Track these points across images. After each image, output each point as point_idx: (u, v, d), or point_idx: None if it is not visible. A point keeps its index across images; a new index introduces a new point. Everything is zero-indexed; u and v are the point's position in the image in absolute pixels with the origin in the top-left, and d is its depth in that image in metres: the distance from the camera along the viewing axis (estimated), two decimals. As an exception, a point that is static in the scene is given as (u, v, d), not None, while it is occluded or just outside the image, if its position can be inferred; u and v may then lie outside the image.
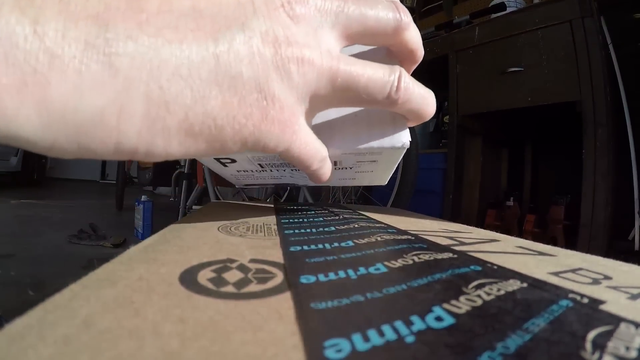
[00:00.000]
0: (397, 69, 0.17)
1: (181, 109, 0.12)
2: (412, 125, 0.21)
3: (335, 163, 0.21)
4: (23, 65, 0.09)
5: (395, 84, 0.16)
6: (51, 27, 0.09)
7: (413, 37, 0.19)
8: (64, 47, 0.09)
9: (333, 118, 0.20)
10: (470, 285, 0.13)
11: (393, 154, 0.21)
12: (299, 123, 0.15)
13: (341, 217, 0.30)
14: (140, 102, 0.11)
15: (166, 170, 2.09)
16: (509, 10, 1.22)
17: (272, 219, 0.28)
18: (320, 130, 0.19)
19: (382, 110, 0.20)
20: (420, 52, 0.20)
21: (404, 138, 0.20)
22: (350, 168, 0.22)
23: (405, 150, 0.21)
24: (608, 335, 0.09)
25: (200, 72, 0.12)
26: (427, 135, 1.62)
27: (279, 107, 0.14)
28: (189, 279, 0.13)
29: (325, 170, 0.19)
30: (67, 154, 0.11)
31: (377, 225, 0.27)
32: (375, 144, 0.20)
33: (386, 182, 0.23)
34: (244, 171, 0.22)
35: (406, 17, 0.17)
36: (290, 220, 0.28)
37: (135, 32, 0.11)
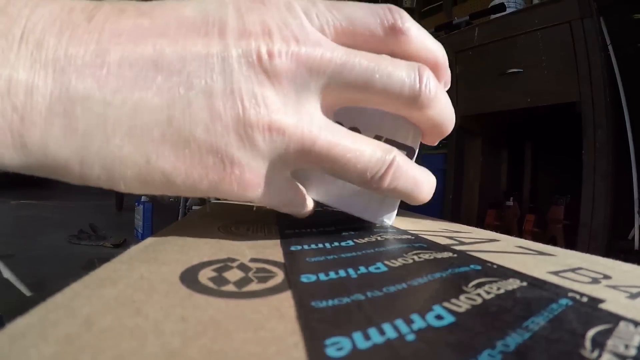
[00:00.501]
0: (392, 154, 0.14)
1: (135, 164, 0.12)
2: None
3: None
4: (2, 119, 0.10)
5: (382, 172, 0.14)
6: (21, 85, 0.10)
7: (437, 113, 0.15)
8: (32, 105, 0.11)
9: (320, 175, 0.18)
10: (470, 284, 0.13)
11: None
12: (266, 181, 0.14)
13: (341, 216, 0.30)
14: (97, 157, 0.12)
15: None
16: (508, 11, 1.22)
17: (272, 219, 0.28)
18: (305, 178, 0.18)
19: None
20: (445, 130, 0.16)
21: (388, 219, 0.19)
22: None
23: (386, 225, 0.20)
24: (607, 333, 0.09)
25: (153, 133, 0.12)
26: (427, 136, 1.62)
27: (239, 171, 0.13)
28: (189, 278, 0.13)
29: (298, 211, 0.18)
30: (46, 175, 0.13)
31: (377, 225, 0.27)
32: (356, 213, 0.19)
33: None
34: None
35: (428, 91, 0.14)
36: (291, 220, 0.28)
37: (94, 90, 0.11)
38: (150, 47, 0.11)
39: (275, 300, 0.11)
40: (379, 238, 0.21)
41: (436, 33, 1.49)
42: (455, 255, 0.18)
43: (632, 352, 0.08)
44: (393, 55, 0.15)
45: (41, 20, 0.11)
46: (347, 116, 0.16)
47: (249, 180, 0.14)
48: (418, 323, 0.09)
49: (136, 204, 1.49)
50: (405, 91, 0.14)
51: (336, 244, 0.20)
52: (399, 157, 0.15)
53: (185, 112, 0.12)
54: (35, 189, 3.15)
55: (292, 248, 0.18)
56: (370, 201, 0.18)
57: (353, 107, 0.16)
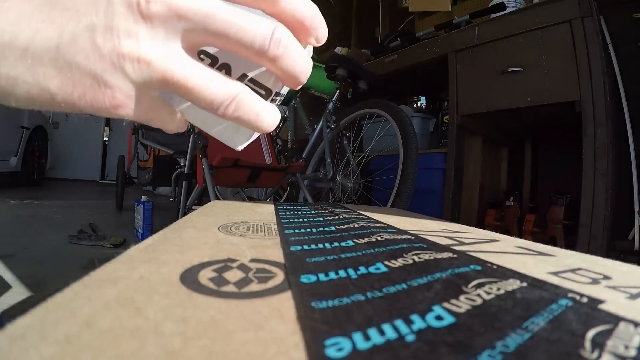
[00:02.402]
0: (237, 88, 0.17)
1: (25, 85, 0.15)
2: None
3: None
4: None
5: (226, 103, 0.17)
6: None
7: (285, 66, 0.18)
8: None
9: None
10: (470, 285, 0.13)
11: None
12: (135, 101, 0.17)
13: (341, 216, 0.30)
14: None
15: (166, 171, 2.09)
16: (508, 10, 1.22)
17: (272, 219, 0.28)
18: (178, 99, 0.21)
19: None
20: (297, 80, 0.19)
21: (238, 143, 0.22)
22: None
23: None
24: (607, 334, 0.09)
25: (42, 58, 0.14)
26: (427, 135, 1.62)
27: (111, 93, 0.16)
28: (190, 278, 0.13)
29: (170, 126, 0.21)
30: None
31: (377, 225, 0.27)
32: (216, 135, 0.22)
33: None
34: None
35: (276, 48, 0.17)
36: (291, 220, 0.28)
37: None
38: None
39: (276, 301, 0.11)
40: (379, 238, 0.21)
41: (436, 32, 1.49)
42: (455, 255, 0.18)
43: (632, 352, 0.08)
44: (266, 12, 0.18)
45: None
46: (222, 53, 0.19)
47: (120, 100, 0.16)
48: (418, 323, 0.09)
49: (136, 203, 1.48)
50: (255, 45, 0.16)
51: (336, 244, 0.20)
52: (243, 93, 0.17)
53: (71, 42, 0.14)
54: (35, 189, 3.15)
55: (292, 248, 0.18)
56: (227, 127, 0.22)
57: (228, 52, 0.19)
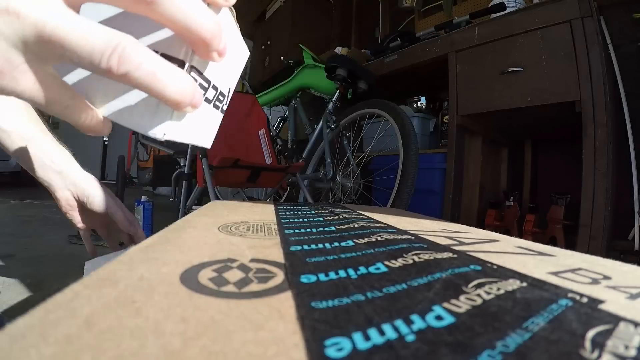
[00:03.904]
0: (120, 36, 0.15)
1: None
2: (175, 110, 0.18)
3: None
4: None
5: (108, 52, 0.15)
6: None
7: (171, 10, 0.16)
8: None
9: (101, 81, 0.18)
10: (470, 285, 0.13)
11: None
12: (19, 69, 0.15)
13: (341, 216, 0.31)
14: None
15: (166, 171, 2.09)
16: (508, 10, 1.22)
17: (272, 219, 0.28)
18: (82, 84, 0.18)
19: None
20: (194, 30, 0.16)
21: (159, 130, 0.19)
22: None
23: (171, 139, 0.20)
24: (607, 334, 0.09)
25: None
26: (427, 135, 1.62)
27: None
28: (190, 278, 0.13)
29: (80, 118, 0.18)
30: None
31: (377, 225, 0.27)
32: (130, 126, 0.19)
33: (208, 146, 0.23)
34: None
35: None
36: (291, 220, 0.28)
37: None
38: None
39: (276, 301, 0.11)
40: (379, 238, 0.21)
41: (436, 32, 1.49)
42: (455, 255, 0.18)
43: (632, 352, 0.08)
44: None
45: None
46: (124, 32, 0.16)
47: (1, 67, 0.15)
48: (418, 323, 0.09)
49: (136, 203, 1.48)
50: None
51: (336, 244, 0.20)
52: (129, 42, 0.15)
53: None
54: (35, 189, 3.15)
55: (292, 248, 0.18)
56: (145, 112, 0.18)
57: (130, 23, 0.17)
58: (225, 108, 0.24)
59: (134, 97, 0.18)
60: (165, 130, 0.19)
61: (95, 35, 0.15)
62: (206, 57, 0.18)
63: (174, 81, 0.16)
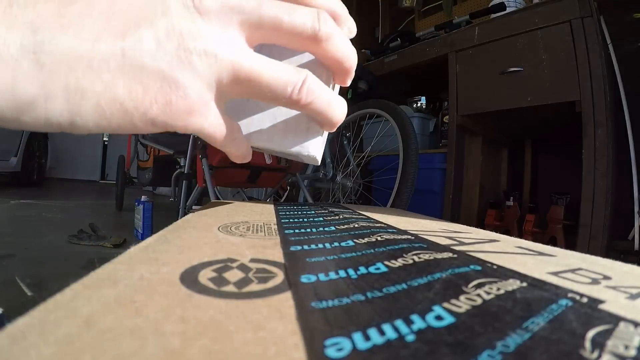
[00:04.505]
0: (304, 72, 0.18)
1: (94, 95, 0.14)
2: (327, 131, 0.21)
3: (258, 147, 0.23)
4: None
5: (299, 85, 0.17)
6: None
7: (336, 48, 0.19)
8: (4, 49, 0.13)
9: (252, 111, 0.21)
10: (470, 285, 0.13)
11: (303, 157, 0.22)
12: (208, 107, 0.17)
13: (341, 216, 0.31)
14: (61, 91, 0.14)
15: (166, 171, 2.09)
16: (508, 10, 1.22)
17: (272, 219, 0.28)
18: (237, 119, 0.21)
19: (299, 117, 0.21)
20: (347, 64, 0.20)
21: (312, 148, 0.21)
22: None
23: (315, 162, 0.22)
24: (607, 334, 0.09)
25: (109, 64, 0.14)
26: (427, 135, 1.62)
27: (184, 93, 0.15)
28: (189, 278, 0.13)
29: (239, 149, 0.20)
30: (10, 125, 0.15)
31: (377, 225, 0.27)
32: (282, 148, 0.21)
33: (318, 163, 0.25)
34: None
35: (326, 27, 0.18)
36: (291, 220, 0.28)
37: (58, 34, 0.14)
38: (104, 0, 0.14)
39: (276, 301, 0.11)
40: (379, 238, 0.21)
41: (436, 32, 1.49)
42: (455, 255, 0.18)
43: (632, 352, 0.08)
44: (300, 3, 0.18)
45: None
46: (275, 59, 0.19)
47: (192, 104, 0.16)
48: (418, 323, 0.09)
49: (136, 203, 1.48)
50: (307, 28, 0.17)
51: (336, 244, 0.20)
52: (311, 76, 0.18)
53: (136, 45, 0.14)
54: (35, 189, 3.15)
55: (292, 248, 0.18)
56: (297, 135, 0.21)
57: (274, 52, 0.19)
58: None
59: (281, 123, 0.21)
60: (316, 147, 0.21)
61: (285, 71, 0.17)
62: (343, 83, 0.21)
63: (342, 108, 0.20)
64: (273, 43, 0.18)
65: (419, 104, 1.64)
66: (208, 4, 0.15)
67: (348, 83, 0.21)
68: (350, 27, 0.21)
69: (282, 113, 0.21)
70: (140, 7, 0.15)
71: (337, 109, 0.19)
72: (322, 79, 0.20)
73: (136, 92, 0.15)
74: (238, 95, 0.18)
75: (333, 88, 0.21)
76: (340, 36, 0.18)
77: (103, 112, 0.15)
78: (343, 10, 0.20)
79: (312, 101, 0.18)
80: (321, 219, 0.29)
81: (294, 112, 0.21)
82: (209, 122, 0.17)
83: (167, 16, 0.15)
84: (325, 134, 0.22)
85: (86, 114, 0.15)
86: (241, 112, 0.21)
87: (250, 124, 0.21)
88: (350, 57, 0.19)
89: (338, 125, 0.20)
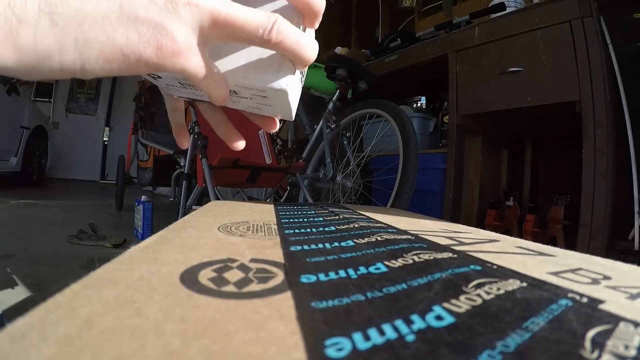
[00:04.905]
0: (275, 16, 0.20)
1: (98, 44, 0.17)
2: (297, 69, 0.24)
3: (235, 92, 0.25)
4: (3, 25, 0.15)
5: (269, 27, 0.20)
6: (17, 1, 0.16)
7: None
8: (25, 13, 0.16)
9: (230, 53, 0.23)
10: (470, 285, 0.13)
11: (276, 94, 0.24)
12: (192, 50, 0.19)
13: (341, 216, 0.31)
14: (72, 43, 0.17)
15: (166, 171, 2.09)
16: (508, 10, 1.22)
17: (272, 219, 0.28)
18: (217, 61, 0.23)
19: (272, 56, 0.23)
20: (315, 7, 0.22)
21: (283, 82, 0.23)
22: (250, 99, 0.26)
23: (286, 94, 0.24)
24: (607, 334, 0.09)
25: (110, 18, 0.17)
26: (427, 135, 1.62)
27: (171, 38, 0.18)
28: (190, 278, 0.13)
29: (219, 90, 0.23)
30: (32, 75, 0.18)
31: (377, 225, 0.27)
32: (255, 83, 0.23)
33: (292, 118, 0.28)
34: (172, 85, 0.27)
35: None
36: (290, 220, 0.28)
37: None
38: None
39: (276, 301, 0.11)
40: (379, 238, 0.21)
41: (436, 32, 1.49)
42: (455, 255, 0.18)
43: (632, 352, 0.08)
44: None
45: None
46: (250, 6, 0.21)
47: (180, 46, 0.19)
48: (418, 324, 0.09)
49: (136, 203, 1.48)
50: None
51: (336, 244, 0.20)
52: (281, 19, 0.20)
53: (131, 0, 0.17)
54: (35, 189, 3.15)
55: (292, 248, 0.18)
56: (269, 71, 0.23)
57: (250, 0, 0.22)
58: (302, 83, 0.28)
59: (256, 62, 0.23)
60: (287, 82, 0.23)
61: (256, 16, 0.20)
62: (311, 25, 0.24)
63: (313, 47, 0.22)
64: None
65: (419, 104, 1.64)
66: None
67: (316, 25, 0.24)
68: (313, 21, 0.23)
69: (256, 53, 0.23)
70: None
71: (307, 47, 0.22)
72: (293, 21, 0.22)
73: (132, 39, 0.18)
74: (218, 39, 0.21)
75: (304, 30, 0.23)
76: (292, 39, 0.21)
77: (107, 58, 0.18)
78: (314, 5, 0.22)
79: (282, 40, 0.20)
80: (321, 219, 0.29)
81: (268, 52, 0.23)
82: (192, 63, 0.20)
83: None
84: (298, 73, 0.25)
85: (93, 61, 0.18)
86: (220, 55, 0.23)
87: (228, 64, 0.23)
88: (317, 1, 0.22)
89: (309, 63, 0.22)
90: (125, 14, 0.17)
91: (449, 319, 0.10)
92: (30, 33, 0.16)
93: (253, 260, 0.16)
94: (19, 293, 0.77)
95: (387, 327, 0.09)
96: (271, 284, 0.13)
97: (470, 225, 0.31)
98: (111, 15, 0.17)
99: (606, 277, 0.15)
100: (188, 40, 0.19)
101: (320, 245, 0.19)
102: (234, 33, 0.20)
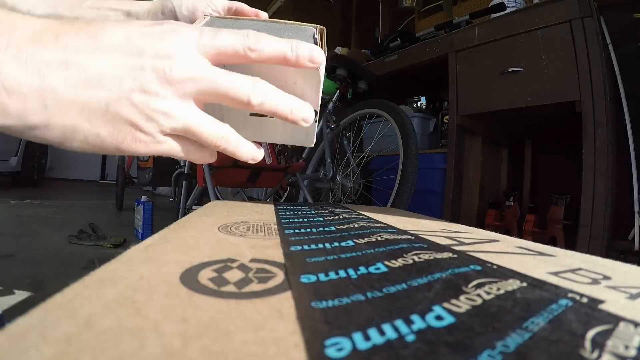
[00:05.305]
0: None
1: (82, 132, 0.19)
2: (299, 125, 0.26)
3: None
4: None
5: (225, 139, 0.23)
6: (9, 75, 0.17)
7: (263, 108, 0.23)
8: (16, 85, 0.17)
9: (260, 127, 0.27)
10: (470, 285, 0.13)
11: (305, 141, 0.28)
12: (162, 144, 0.22)
13: (341, 216, 0.31)
14: (59, 125, 0.19)
15: (166, 171, 2.08)
16: (508, 10, 1.22)
17: (272, 219, 0.28)
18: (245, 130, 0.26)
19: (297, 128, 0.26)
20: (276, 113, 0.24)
21: (311, 141, 0.27)
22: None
23: (313, 137, 0.27)
24: (607, 334, 0.09)
25: (96, 112, 0.19)
26: (427, 135, 1.62)
27: (143, 136, 0.21)
28: (190, 278, 0.13)
29: (200, 157, 0.25)
30: (17, 135, 0.19)
31: (377, 225, 0.27)
32: (286, 141, 0.27)
33: (312, 144, 0.29)
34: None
35: (257, 98, 0.22)
36: (290, 220, 0.28)
37: (61, 84, 0.18)
38: (101, 58, 0.19)
39: (276, 301, 0.11)
40: (379, 238, 0.21)
41: (436, 32, 1.49)
42: (455, 255, 0.18)
43: (632, 352, 0.08)
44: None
45: (21, 35, 0.17)
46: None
47: (152, 142, 0.21)
48: (418, 323, 0.09)
49: (136, 203, 1.48)
50: (244, 97, 0.22)
51: (336, 244, 0.20)
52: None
53: (117, 101, 0.19)
54: (35, 189, 3.15)
55: (292, 248, 0.18)
56: (294, 133, 0.26)
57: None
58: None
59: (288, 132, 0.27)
60: (314, 138, 0.27)
61: (243, 83, 0.22)
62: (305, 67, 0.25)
63: (298, 107, 0.24)
64: (219, 103, 0.23)
65: (419, 104, 1.64)
66: (176, 74, 0.20)
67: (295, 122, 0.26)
68: (312, 59, 0.23)
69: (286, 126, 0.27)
70: (123, 71, 0.19)
71: (294, 110, 0.24)
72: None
73: (112, 132, 0.20)
74: (214, 101, 0.23)
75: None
76: (270, 101, 0.23)
77: (87, 142, 0.20)
78: (291, 55, 0.23)
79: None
80: (321, 219, 0.29)
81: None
82: (165, 150, 0.22)
83: (142, 81, 0.19)
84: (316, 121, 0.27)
85: (76, 144, 0.20)
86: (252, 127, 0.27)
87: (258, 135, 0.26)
88: (286, 113, 0.24)
89: (299, 123, 0.24)
90: (110, 110, 0.19)
91: (449, 319, 0.10)
92: (20, 105, 0.18)
93: (253, 260, 0.16)
94: (19, 293, 0.76)
95: (387, 327, 0.09)
96: (271, 284, 0.13)
97: (470, 225, 0.31)
98: (97, 110, 0.19)
99: (606, 277, 0.15)
100: (160, 138, 0.21)
101: (320, 245, 0.19)
102: (201, 140, 0.23)
